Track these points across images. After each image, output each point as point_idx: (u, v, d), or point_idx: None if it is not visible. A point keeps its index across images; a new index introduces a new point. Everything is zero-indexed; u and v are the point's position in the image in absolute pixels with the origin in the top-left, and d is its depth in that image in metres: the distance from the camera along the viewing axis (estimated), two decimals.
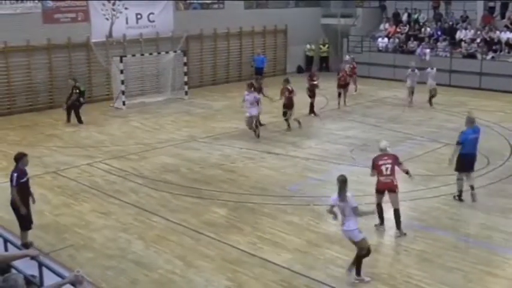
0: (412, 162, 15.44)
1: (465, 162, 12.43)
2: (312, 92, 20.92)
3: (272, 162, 15.72)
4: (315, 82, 20.92)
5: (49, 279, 6.54)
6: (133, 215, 12.05)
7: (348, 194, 9.10)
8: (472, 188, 12.62)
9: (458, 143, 12.48)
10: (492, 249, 10.34)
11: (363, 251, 9.07)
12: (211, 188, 13.66)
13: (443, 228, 11.27)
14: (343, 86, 22.40)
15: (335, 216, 9.34)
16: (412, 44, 29.57)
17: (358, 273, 9.11)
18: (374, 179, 13.98)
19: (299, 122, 18.88)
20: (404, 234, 10.83)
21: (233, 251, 10.31)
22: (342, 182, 9.15)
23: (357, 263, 9.10)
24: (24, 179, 10.05)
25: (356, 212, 9.05)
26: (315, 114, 20.96)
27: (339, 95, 22.29)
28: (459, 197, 12.64)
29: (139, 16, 25.24)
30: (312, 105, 20.95)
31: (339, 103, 22.25)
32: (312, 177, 14.47)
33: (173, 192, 13.39)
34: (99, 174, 14.73)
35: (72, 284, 5.93)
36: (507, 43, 26.84)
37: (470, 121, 12.63)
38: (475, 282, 9.13)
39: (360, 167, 15.16)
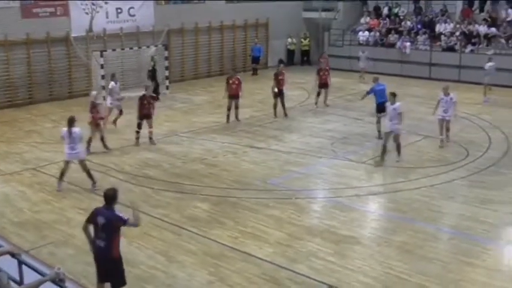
0: (393, 154, 15.58)
1: (379, 109, 16.69)
2: (278, 91, 19.86)
3: (254, 156, 15.74)
4: (281, 80, 19.91)
5: (29, 277, 6.48)
6: None
7: (76, 129, 12.70)
8: None
9: (367, 93, 17.68)
10: (472, 239, 10.46)
11: (86, 167, 13.10)
12: (193, 182, 13.64)
13: (424, 220, 11.37)
14: (324, 85, 21.60)
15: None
16: (392, 38, 29.73)
17: (93, 183, 13.06)
18: (353, 172, 14.21)
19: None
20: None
21: (215, 246, 10.31)
22: (70, 121, 12.76)
23: (90, 175, 13.12)
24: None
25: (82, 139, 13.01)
26: (275, 114, 19.99)
27: (318, 94, 21.63)
28: (378, 135, 16.62)
29: (119, 10, 25.05)
30: (275, 105, 20.04)
31: (316, 102, 21.59)
32: (294, 170, 14.51)
33: (155, 187, 13.35)
34: (80, 170, 14.57)
35: (53, 282, 5.88)
36: (486, 36, 27.11)
37: (376, 79, 17.60)
38: (455, 272, 9.24)
39: (341, 160, 15.28)
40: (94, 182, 13.15)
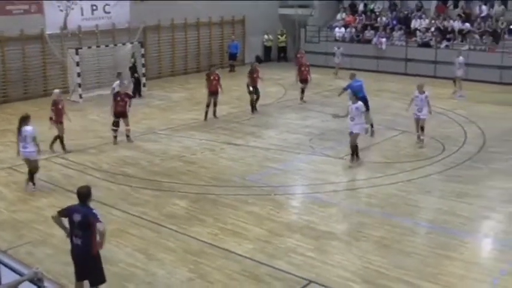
0: (369, 150, 15.73)
1: None
2: (254, 88, 19.96)
3: (232, 153, 15.74)
4: (256, 77, 20.01)
5: (7, 277, 6.41)
6: None
7: (28, 127, 12.51)
8: (372, 126, 16.55)
9: (344, 89, 17.13)
10: (449, 233, 10.58)
11: (36, 169, 12.87)
12: (172, 180, 13.60)
13: (402, 214, 11.48)
14: (304, 81, 21.72)
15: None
16: (368, 34, 29.93)
17: (32, 181, 12.88)
18: (331, 168, 14.27)
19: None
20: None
21: (195, 243, 10.29)
22: (22, 119, 12.71)
23: (32, 176, 12.83)
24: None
25: (35, 140, 12.66)
26: (253, 111, 20.07)
27: (303, 90, 21.65)
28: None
29: (94, 7, 24.76)
30: (252, 102, 20.12)
31: (301, 98, 21.69)
32: (272, 166, 14.54)
33: (133, 185, 13.28)
34: (57, 169, 14.48)
35: (31, 281, 5.83)
36: (460, 32, 27.45)
37: (353, 76, 17.22)
38: (433, 266, 9.34)
39: (318, 156, 15.35)
40: (28, 184, 12.90)
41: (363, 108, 14.33)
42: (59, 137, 15.71)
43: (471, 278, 8.99)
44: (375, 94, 21.02)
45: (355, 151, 14.41)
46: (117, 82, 18.13)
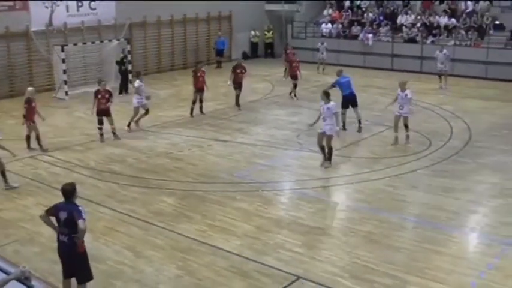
0: (357, 146, 15.78)
1: (345, 100, 16.70)
2: (237, 84, 20.02)
3: (220, 149, 15.72)
4: (239, 73, 20.00)
5: None
6: None
7: None
8: (359, 122, 16.82)
9: (332, 85, 16.81)
10: (437, 228, 10.64)
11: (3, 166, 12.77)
12: (159, 177, 13.56)
13: (389, 210, 11.52)
14: (295, 77, 21.70)
15: None
16: (355, 30, 29.99)
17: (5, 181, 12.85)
18: (319, 163, 14.24)
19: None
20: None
21: (183, 240, 10.27)
22: None
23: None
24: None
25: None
26: (239, 107, 20.10)
27: (295, 85, 21.61)
28: (343, 127, 16.29)
29: (80, 3, 24.63)
30: (237, 98, 20.16)
31: (295, 95, 21.70)
32: (260, 163, 14.55)
33: (120, 182, 13.22)
34: (43, 167, 14.38)
35: (19, 280, 5.79)
36: (446, 27, 27.59)
37: (340, 72, 17.31)
38: (421, 260, 9.38)
39: (306, 152, 15.37)
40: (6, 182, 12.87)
41: (335, 109, 13.80)
42: (36, 136, 15.51)
43: (458, 272, 9.05)
44: (362, 90, 21.05)
45: (330, 154, 13.99)
46: (138, 81, 17.72)
